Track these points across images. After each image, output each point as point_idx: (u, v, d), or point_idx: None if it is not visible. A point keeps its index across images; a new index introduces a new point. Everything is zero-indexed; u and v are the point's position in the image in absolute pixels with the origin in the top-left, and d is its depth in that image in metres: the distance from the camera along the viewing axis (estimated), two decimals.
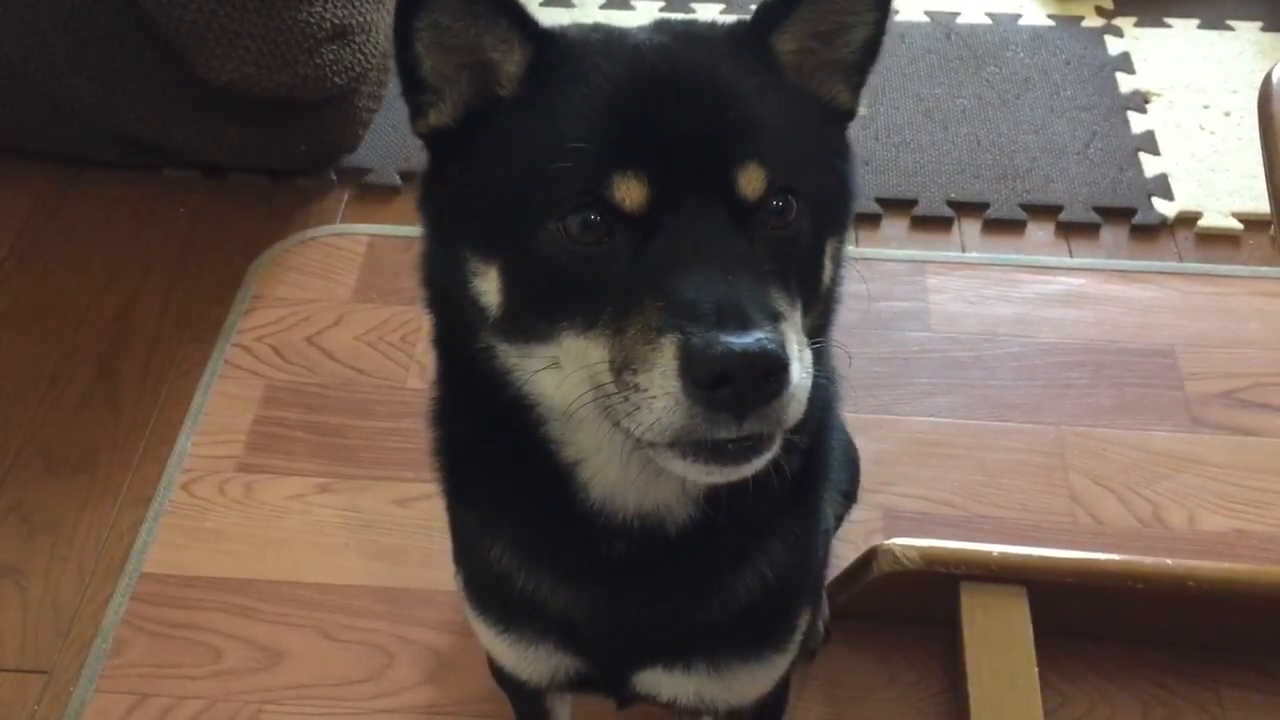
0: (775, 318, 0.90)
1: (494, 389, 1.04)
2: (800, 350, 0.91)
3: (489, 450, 1.14)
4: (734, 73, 0.99)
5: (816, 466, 1.20)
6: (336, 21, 2.42)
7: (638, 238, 0.93)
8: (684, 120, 0.95)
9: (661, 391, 0.88)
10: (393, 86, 2.83)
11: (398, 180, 2.72)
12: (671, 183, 0.93)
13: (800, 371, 0.89)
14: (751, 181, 0.94)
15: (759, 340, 0.85)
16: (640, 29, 1.06)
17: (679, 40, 1.02)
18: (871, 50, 1.08)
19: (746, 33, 1.04)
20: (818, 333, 1.06)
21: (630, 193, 0.92)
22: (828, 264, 1.06)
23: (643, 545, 1.10)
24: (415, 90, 1.02)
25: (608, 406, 0.93)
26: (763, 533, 1.16)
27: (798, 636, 1.32)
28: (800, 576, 1.27)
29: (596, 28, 1.05)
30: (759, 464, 0.94)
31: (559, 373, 0.99)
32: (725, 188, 0.94)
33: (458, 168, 1.02)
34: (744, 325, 0.86)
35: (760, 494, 1.08)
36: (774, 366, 0.86)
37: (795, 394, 0.89)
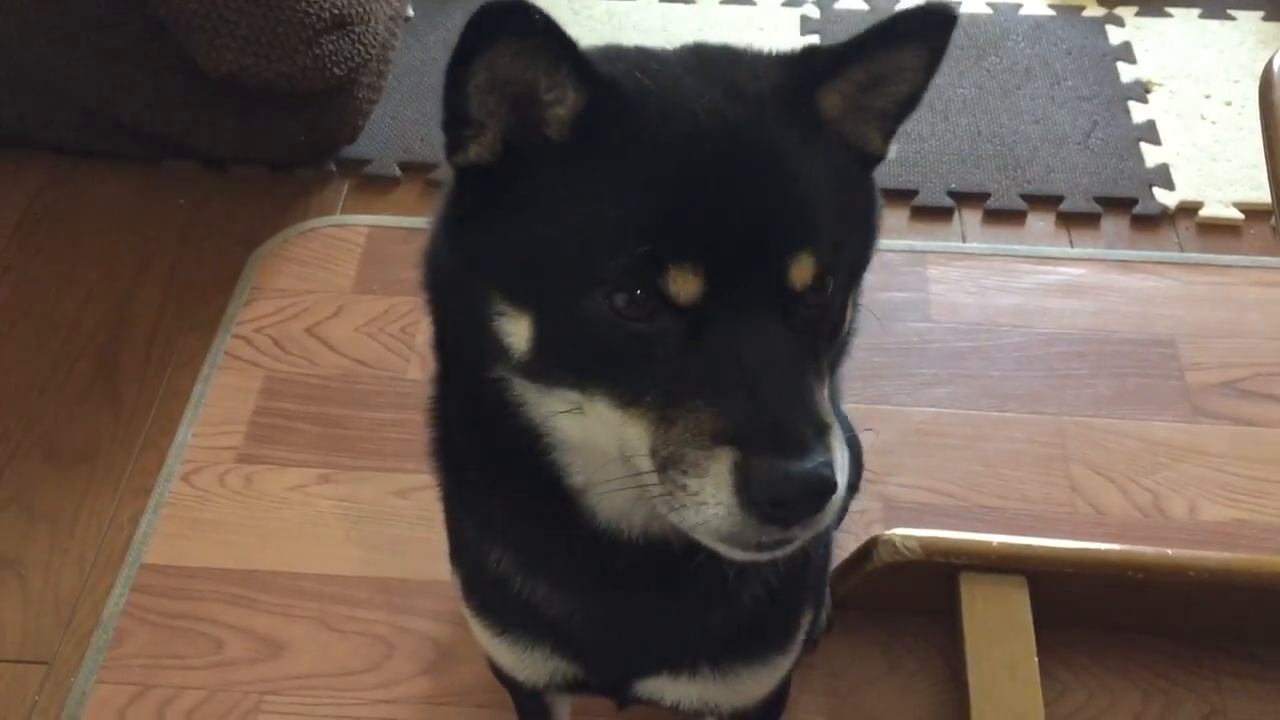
0: (823, 431, 0.90)
1: (503, 415, 1.02)
2: (842, 456, 0.91)
3: (490, 462, 1.12)
4: (788, 144, 0.96)
5: None
6: (336, 12, 2.42)
7: (686, 325, 0.91)
8: (741, 208, 0.92)
9: (714, 501, 0.88)
10: (393, 78, 2.83)
11: (397, 171, 2.71)
12: (725, 273, 0.91)
13: (843, 480, 0.91)
14: (803, 272, 0.93)
15: (817, 467, 0.87)
16: (683, 62, 1.01)
17: (730, 100, 0.97)
18: (911, 104, 1.07)
19: (795, 89, 0.99)
20: (833, 365, 1.06)
21: (685, 286, 0.90)
22: (849, 312, 1.05)
23: (647, 560, 1.10)
24: (458, 125, 0.96)
25: (648, 496, 0.93)
26: None
27: (800, 636, 1.31)
28: (803, 579, 1.27)
29: (645, 67, 0.98)
30: (793, 549, 0.95)
31: (582, 419, 0.97)
32: (776, 276, 0.93)
33: (495, 208, 0.98)
34: (802, 450, 0.87)
35: None
36: (828, 491, 0.88)
37: (837, 501, 0.91)
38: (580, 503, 1.07)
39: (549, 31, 0.90)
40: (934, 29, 1.02)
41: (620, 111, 0.94)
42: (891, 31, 1.00)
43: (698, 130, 0.94)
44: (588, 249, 0.92)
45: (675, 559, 1.09)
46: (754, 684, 1.28)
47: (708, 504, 0.89)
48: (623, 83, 0.95)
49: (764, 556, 0.94)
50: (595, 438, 0.97)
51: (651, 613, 1.17)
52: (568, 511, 1.08)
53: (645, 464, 0.92)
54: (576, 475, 1.06)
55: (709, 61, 1.02)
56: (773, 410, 0.89)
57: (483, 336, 0.98)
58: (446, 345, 1.10)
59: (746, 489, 0.87)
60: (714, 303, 0.91)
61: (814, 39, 3.02)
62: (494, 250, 0.97)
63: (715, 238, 0.91)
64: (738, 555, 0.94)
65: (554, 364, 0.96)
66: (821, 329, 0.98)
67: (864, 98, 1.03)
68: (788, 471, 0.86)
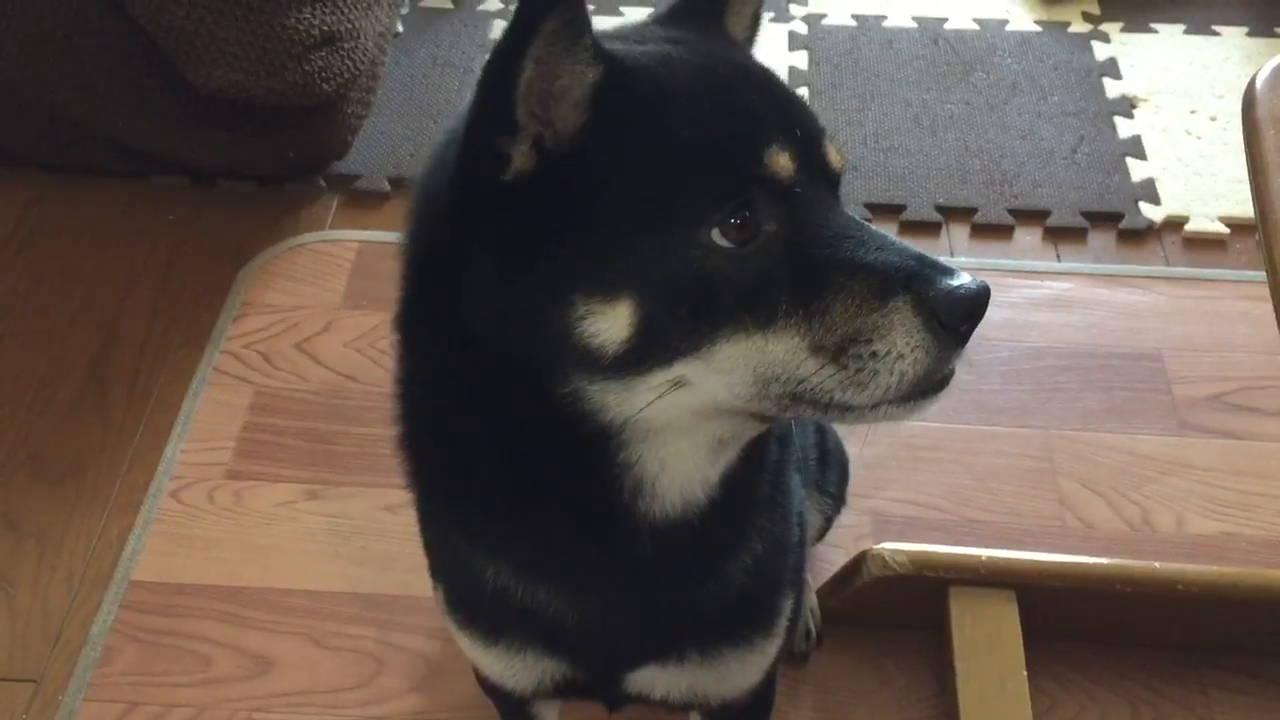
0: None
1: (558, 431, 0.99)
2: None
3: (519, 481, 1.07)
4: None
5: (785, 441, 1.23)
6: (325, 28, 2.42)
7: (784, 221, 0.93)
8: (781, 101, 0.99)
9: (909, 347, 0.92)
10: (382, 93, 2.83)
11: (387, 187, 2.72)
12: (800, 154, 0.96)
13: None
14: (835, 155, 1.01)
15: (974, 279, 0.93)
16: (635, 33, 1.06)
17: (703, 37, 1.05)
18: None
19: (717, 24, 1.09)
20: None
21: (783, 162, 0.94)
22: None
23: (666, 541, 1.07)
24: (500, 133, 0.91)
25: (798, 393, 0.94)
26: (752, 507, 1.17)
27: (783, 621, 1.31)
28: (782, 556, 1.27)
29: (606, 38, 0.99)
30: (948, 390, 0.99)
31: (680, 393, 0.95)
32: (821, 160, 0.99)
33: (544, 212, 0.93)
34: (950, 269, 0.93)
35: (761, 465, 1.12)
36: (988, 296, 0.94)
37: None
38: (626, 495, 1.04)
39: (579, 4, 0.89)
40: None
41: (630, 75, 0.95)
42: None
43: (703, 59, 1.00)
44: (680, 187, 0.92)
45: (686, 532, 1.08)
46: (741, 670, 1.28)
47: (904, 355, 0.92)
48: (618, 52, 0.96)
49: (938, 398, 0.97)
50: (702, 401, 0.96)
51: (650, 598, 1.16)
52: (596, 509, 1.05)
53: (809, 367, 0.93)
54: (650, 463, 1.02)
55: (650, 26, 1.10)
56: (907, 251, 0.94)
57: (561, 352, 0.94)
58: (484, 386, 1.03)
59: (936, 319, 0.91)
60: (796, 189, 0.95)
61: (802, 55, 3.04)
62: (567, 253, 0.93)
63: (780, 125, 0.96)
64: (912, 412, 0.96)
65: (661, 339, 0.93)
66: None
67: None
68: (964, 286, 0.92)
